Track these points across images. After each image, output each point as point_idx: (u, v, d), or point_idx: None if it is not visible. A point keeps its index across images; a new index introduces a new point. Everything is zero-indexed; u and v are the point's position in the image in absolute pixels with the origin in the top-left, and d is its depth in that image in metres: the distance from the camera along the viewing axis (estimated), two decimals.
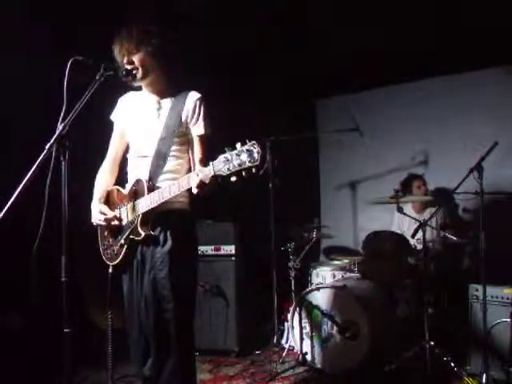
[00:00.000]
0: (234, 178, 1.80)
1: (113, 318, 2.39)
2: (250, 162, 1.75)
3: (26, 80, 3.08)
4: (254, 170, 1.76)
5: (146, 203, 2.17)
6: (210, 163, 1.87)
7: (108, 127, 2.52)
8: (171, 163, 2.28)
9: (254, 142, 1.77)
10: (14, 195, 1.71)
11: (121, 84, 2.26)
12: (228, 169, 1.79)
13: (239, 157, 1.77)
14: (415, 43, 4.26)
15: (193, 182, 1.96)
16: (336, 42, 4.30)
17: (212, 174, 1.86)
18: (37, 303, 3.05)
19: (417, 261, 3.85)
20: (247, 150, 1.76)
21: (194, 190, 1.97)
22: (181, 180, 2.04)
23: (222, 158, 1.82)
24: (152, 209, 2.16)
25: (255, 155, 1.74)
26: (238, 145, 1.79)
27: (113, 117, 2.50)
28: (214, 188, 2.01)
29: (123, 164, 2.48)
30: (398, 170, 4.84)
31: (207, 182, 1.91)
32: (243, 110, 4.46)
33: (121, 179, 2.47)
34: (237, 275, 4.01)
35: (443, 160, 4.84)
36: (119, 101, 2.50)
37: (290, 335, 3.66)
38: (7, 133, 3.16)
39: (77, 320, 1.87)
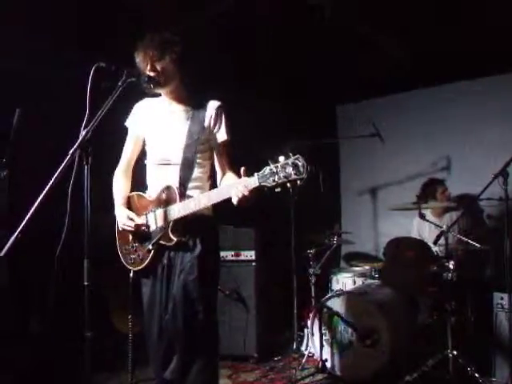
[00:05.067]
0: (278, 189, 1.90)
1: (133, 322, 2.41)
2: (295, 174, 1.85)
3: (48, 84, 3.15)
4: (299, 183, 1.87)
5: (179, 210, 2.19)
6: (255, 174, 1.94)
7: (121, 133, 2.55)
8: (195, 171, 2.32)
9: (298, 155, 1.86)
10: (39, 200, 1.75)
11: (136, 91, 2.28)
12: (274, 180, 1.88)
13: (285, 170, 1.86)
14: (438, 46, 4.21)
15: (233, 192, 1.99)
16: (358, 47, 4.28)
17: (257, 184, 1.93)
18: (57, 307, 3.10)
19: (439, 268, 3.79)
20: (293, 164, 1.85)
21: (235, 200, 2.00)
22: (221, 189, 2.12)
23: (267, 169, 1.90)
24: (184, 215, 2.19)
25: (301, 169, 1.84)
26: (281, 158, 1.88)
27: (128, 123, 2.51)
28: (256, 199, 2.07)
29: (135, 169, 2.51)
30: (420, 176, 4.77)
31: (248, 192, 1.96)
32: (264, 114, 4.48)
33: (134, 184, 2.50)
34: (257, 281, 4.00)
35: (466, 166, 4.76)
36: (135, 107, 2.51)
37: (310, 342, 3.64)
38: (32, 138, 3.22)
39: (98, 323, 1.89)
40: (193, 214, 2.20)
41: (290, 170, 1.86)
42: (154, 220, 2.29)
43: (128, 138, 2.52)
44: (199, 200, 2.14)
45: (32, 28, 3.19)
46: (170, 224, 2.22)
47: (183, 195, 2.23)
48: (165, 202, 2.27)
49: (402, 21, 3.95)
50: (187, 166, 2.29)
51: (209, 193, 2.16)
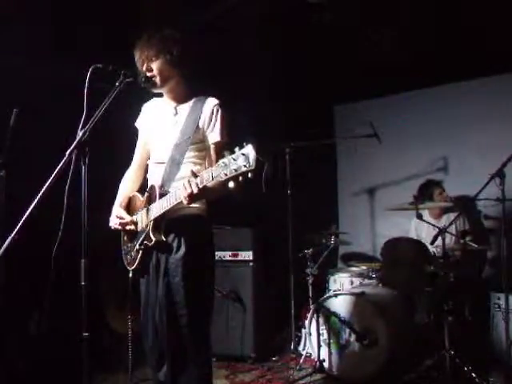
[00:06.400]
0: (231, 184, 1.74)
1: (132, 322, 2.41)
2: (245, 166, 1.68)
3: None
4: (250, 175, 1.69)
5: (156, 209, 2.18)
6: (210, 168, 1.85)
7: (127, 133, 2.55)
8: (187, 170, 2.24)
9: (250, 145, 1.69)
10: (36, 200, 1.75)
11: (145, 91, 2.29)
12: (225, 174, 1.73)
13: (236, 161, 1.70)
14: (435, 48, 4.22)
15: (188, 186, 1.93)
16: (357, 49, 4.29)
17: (210, 179, 1.83)
18: (54, 307, 3.09)
19: (436, 268, 3.80)
20: (243, 154, 1.69)
21: (185, 194, 1.94)
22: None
23: (220, 162, 1.76)
24: (163, 214, 2.16)
25: (251, 160, 1.67)
26: (237, 149, 1.72)
27: (137, 124, 2.53)
28: (220, 194, 2.05)
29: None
30: (417, 177, 4.78)
31: (201, 186, 1.88)
32: (262, 114, 4.49)
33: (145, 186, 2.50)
34: (254, 281, 4.00)
35: (463, 166, 4.77)
36: (143, 107, 2.52)
37: (308, 342, 3.64)
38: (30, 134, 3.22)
39: (95, 324, 1.89)
40: (178, 213, 2.18)
41: (240, 161, 1.68)
42: (141, 219, 2.29)
43: (138, 139, 2.52)
44: (169, 198, 2.10)
45: (32, 28, 3.18)
46: (151, 223, 2.20)
47: (163, 194, 2.17)
48: (148, 201, 2.26)
49: (402, 21, 3.95)
50: (172, 165, 2.26)
51: (176, 190, 2.07)
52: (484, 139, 4.64)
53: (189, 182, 1.92)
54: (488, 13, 3.74)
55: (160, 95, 2.42)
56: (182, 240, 2.22)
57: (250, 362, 3.87)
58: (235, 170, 1.70)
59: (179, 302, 2.19)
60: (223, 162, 1.75)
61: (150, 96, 2.46)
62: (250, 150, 1.68)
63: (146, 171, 2.48)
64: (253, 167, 1.67)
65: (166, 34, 2.27)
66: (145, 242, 2.24)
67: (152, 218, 2.19)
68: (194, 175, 1.91)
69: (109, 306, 3.77)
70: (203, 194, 1.95)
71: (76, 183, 1.82)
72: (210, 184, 1.89)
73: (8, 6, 2.98)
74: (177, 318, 2.20)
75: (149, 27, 2.30)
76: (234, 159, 1.71)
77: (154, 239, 2.18)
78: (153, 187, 2.25)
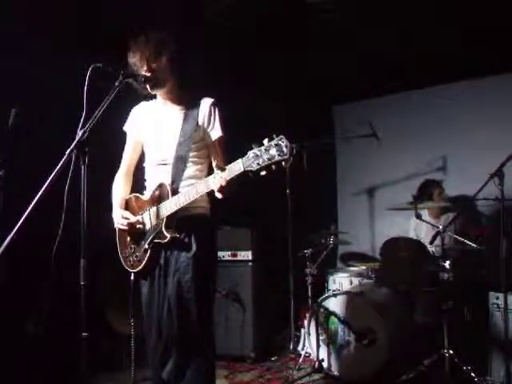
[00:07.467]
0: (263, 172, 1.86)
1: (134, 324, 2.42)
2: (279, 155, 1.82)
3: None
4: (284, 164, 1.84)
5: (170, 206, 2.19)
6: (239, 160, 1.92)
7: (119, 136, 2.55)
8: (191, 169, 2.31)
9: (281, 136, 1.83)
10: (35, 200, 1.75)
11: (133, 94, 2.29)
12: (258, 163, 1.85)
13: (268, 151, 1.83)
14: (434, 47, 4.22)
15: (217, 180, 1.99)
16: (357, 48, 4.29)
17: (242, 169, 1.90)
18: (54, 307, 3.10)
19: (435, 268, 3.80)
20: (276, 145, 1.82)
21: (216, 187, 1.99)
22: (208, 179, 2.07)
23: (251, 153, 1.87)
24: (176, 211, 2.18)
25: (284, 149, 1.81)
26: (265, 141, 1.85)
27: (126, 127, 2.53)
28: (237, 187, 2.06)
29: (136, 173, 2.52)
30: (416, 176, 4.79)
31: (230, 178, 1.94)
32: (261, 114, 4.49)
33: (135, 188, 2.51)
34: (254, 281, 4.01)
35: (462, 166, 4.78)
36: (132, 111, 2.52)
37: (307, 342, 3.65)
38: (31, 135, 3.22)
39: (95, 324, 1.89)
40: (187, 212, 2.21)
41: (273, 151, 1.83)
42: (149, 219, 2.29)
43: (127, 143, 2.53)
44: (188, 193, 2.13)
45: (32, 28, 3.18)
46: (164, 221, 2.21)
47: (175, 192, 2.21)
48: (158, 199, 2.27)
49: (402, 21, 3.95)
50: (180, 164, 2.29)
51: (196, 184, 2.13)
52: (483, 139, 4.64)
53: (215, 176, 1.98)
54: (488, 13, 3.75)
55: (153, 97, 2.43)
56: (193, 238, 2.25)
57: (250, 362, 3.88)
58: (269, 159, 1.83)
59: (190, 299, 2.22)
60: (254, 153, 1.86)
61: (142, 97, 2.45)
62: (283, 140, 1.83)
63: (135, 174, 2.51)
64: (287, 156, 1.81)
65: (166, 34, 2.29)
66: (156, 240, 2.25)
67: (166, 214, 2.21)
68: (222, 169, 1.97)
69: (110, 306, 3.77)
70: (231, 185, 1.99)
71: (76, 182, 1.82)
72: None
73: (8, 6, 2.98)
74: (188, 315, 2.22)
75: (148, 27, 2.30)
76: (267, 149, 1.84)
77: (168, 236, 2.20)
78: (163, 185, 2.26)
